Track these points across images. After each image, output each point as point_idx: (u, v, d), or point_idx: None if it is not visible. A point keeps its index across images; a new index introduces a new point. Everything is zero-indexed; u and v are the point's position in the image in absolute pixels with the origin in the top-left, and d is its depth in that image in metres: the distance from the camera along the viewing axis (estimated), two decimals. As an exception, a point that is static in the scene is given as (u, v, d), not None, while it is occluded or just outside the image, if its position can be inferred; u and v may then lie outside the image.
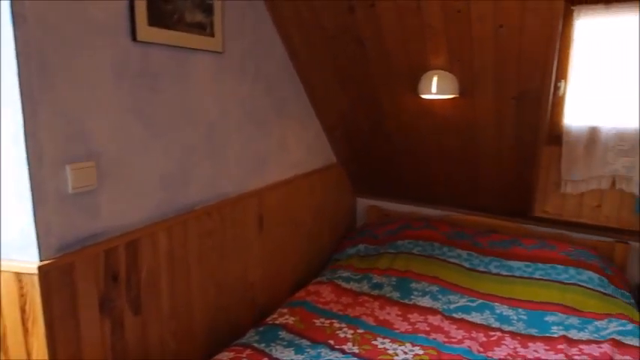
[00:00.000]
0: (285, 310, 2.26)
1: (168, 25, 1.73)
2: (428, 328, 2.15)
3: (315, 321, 2.19)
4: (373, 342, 2.02)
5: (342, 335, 2.07)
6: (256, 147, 2.37)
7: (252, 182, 2.35)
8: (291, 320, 2.17)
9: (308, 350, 1.95)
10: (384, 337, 2.06)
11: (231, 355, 1.88)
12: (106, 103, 1.54)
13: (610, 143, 2.64)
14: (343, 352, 1.95)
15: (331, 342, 2.02)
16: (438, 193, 3.16)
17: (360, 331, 2.11)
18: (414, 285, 2.55)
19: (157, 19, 1.67)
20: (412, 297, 2.45)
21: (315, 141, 2.99)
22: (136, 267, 1.68)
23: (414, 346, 1.99)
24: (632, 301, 2.35)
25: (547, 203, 2.87)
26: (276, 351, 1.93)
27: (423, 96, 2.38)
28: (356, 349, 1.96)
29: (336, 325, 2.16)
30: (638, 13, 2.48)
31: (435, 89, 2.28)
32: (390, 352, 1.95)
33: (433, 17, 2.06)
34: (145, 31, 1.63)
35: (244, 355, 1.87)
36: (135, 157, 1.67)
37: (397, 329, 2.14)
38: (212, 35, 1.94)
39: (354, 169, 3.34)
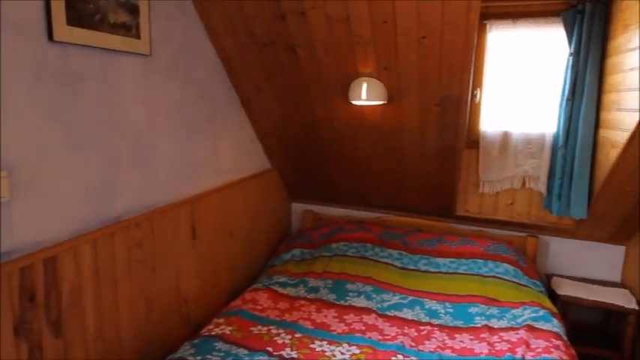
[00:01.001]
0: (220, 320, 2.21)
1: (90, 25, 1.63)
2: (363, 328, 2.21)
3: (253, 329, 2.17)
4: (311, 345, 2.05)
5: (280, 341, 2.07)
6: (188, 154, 2.30)
7: (184, 190, 2.28)
8: (227, 330, 2.13)
9: (246, 359, 1.92)
10: (321, 340, 2.09)
11: (165, 370, 1.81)
12: (20, 108, 1.42)
13: (520, 146, 2.91)
14: (282, 357, 1.95)
15: (269, 349, 2.01)
16: (370, 196, 3.28)
17: (297, 335, 2.12)
18: (349, 286, 2.62)
19: (76, 18, 1.58)
20: (348, 298, 2.51)
21: (249, 147, 2.97)
22: (56, 285, 1.56)
23: (350, 346, 2.04)
24: (543, 289, 2.60)
25: (468, 203, 3.09)
26: (213, 363, 1.88)
27: (354, 102, 2.46)
28: (294, 354, 1.97)
29: (274, 331, 2.15)
30: (540, 29, 2.77)
31: (365, 96, 2.37)
32: (328, 353, 1.99)
33: (361, 27, 2.14)
34: (62, 30, 1.53)
35: (179, 370, 1.80)
36: (54, 167, 1.55)
37: (334, 331, 2.18)
38: (138, 37, 1.86)
39: (288, 174, 3.36)
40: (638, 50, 2.12)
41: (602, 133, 2.54)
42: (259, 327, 2.18)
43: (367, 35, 2.17)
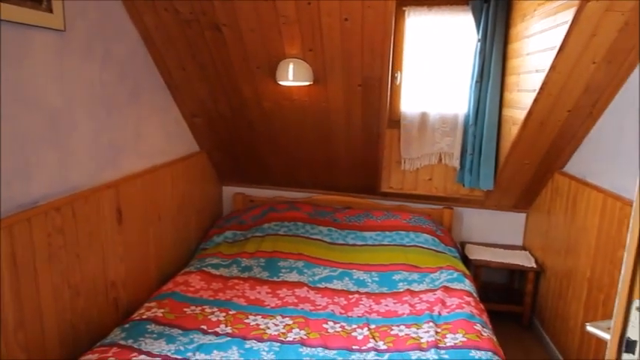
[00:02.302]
0: (152, 304, 2.19)
1: (-9, -5, 1.51)
2: (296, 300, 2.31)
3: (186, 309, 2.17)
4: (245, 320, 2.10)
5: (214, 319, 2.10)
6: (110, 135, 2.21)
7: (107, 173, 2.19)
8: (159, 312, 2.11)
9: (180, 338, 1.94)
10: (255, 315, 2.15)
11: (94, 357, 1.77)
12: None
13: (436, 126, 3.14)
14: (217, 334, 1.99)
15: (204, 327, 2.03)
16: (300, 176, 3.36)
17: (232, 312, 2.17)
18: (281, 263, 2.70)
19: (-25, -13, 1.45)
20: (280, 274, 2.59)
21: (175, 129, 2.90)
22: (-33, 275, 1.46)
23: (283, 317, 2.13)
24: (457, 254, 2.87)
25: (391, 179, 3.29)
26: (146, 345, 1.87)
27: (281, 83, 2.51)
28: (229, 330, 2.02)
29: (208, 310, 2.18)
30: (453, 16, 2.99)
31: (292, 76, 2.43)
32: (262, 326, 2.06)
33: (286, 7, 2.18)
34: (-41, 0, 1.41)
35: (110, 354, 1.78)
36: (-44, 148, 1.44)
37: (268, 305, 2.26)
38: (50, 11, 1.75)
39: (218, 157, 3.34)
40: (534, 37, 2.39)
41: (506, 112, 2.83)
42: (193, 307, 2.20)
43: (292, 16, 2.22)
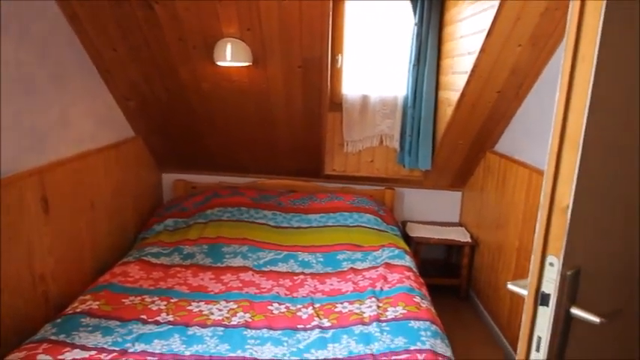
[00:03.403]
0: (87, 297, 2.08)
1: None
2: (240, 285, 2.29)
3: (124, 300, 2.09)
4: (188, 307, 2.06)
5: (154, 308, 2.04)
6: (31, 120, 2.05)
7: (30, 160, 2.03)
8: (95, 305, 2.01)
9: (118, 330, 1.86)
10: (198, 301, 2.11)
11: (22, 354, 1.66)
12: None
13: (377, 108, 3.20)
14: (157, 323, 1.93)
15: (144, 316, 1.97)
16: (243, 161, 3.31)
17: (173, 300, 2.11)
18: (225, 249, 2.66)
19: None
20: (225, 260, 2.55)
21: (107, 113, 2.74)
22: None
23: (228, 302, 2.11)
24: (399, 232, 2.96)
25: (334, 162, 3.32)
26: (80, 338, 1.78)
27: (219, 63, 2.44)
28: (171, 318, 1.97)
29: (148, 299, 2.11)
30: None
31: (230, 57, 2.36)
32: (206, 312, 2.02)
33: (221, -15, 2.11)
34: None
35: (40, 351, 1.67)
36: None
37: (211, 291, 2.22)
38: (-51, -21, 1.57)
39: (155, 142, 3.20)
40: (465, 20, 2.48)
41: (442, 94, 2.93)
42: (132, 298, 2.11)
43: (228, -7, 2.15)
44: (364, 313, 2.01)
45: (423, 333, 1.82)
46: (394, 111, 3.19)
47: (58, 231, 2.20)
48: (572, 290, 0.80)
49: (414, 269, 2.46)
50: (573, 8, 0.71)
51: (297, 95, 2.69)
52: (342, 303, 2.12)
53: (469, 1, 2.42)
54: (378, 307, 2.04)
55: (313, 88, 2.63)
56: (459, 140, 2.88)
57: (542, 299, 0.80)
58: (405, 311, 1.98)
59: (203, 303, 2.10)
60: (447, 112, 2.79)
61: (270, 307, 2.08)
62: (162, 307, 2.04)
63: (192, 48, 2.47)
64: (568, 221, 0.75)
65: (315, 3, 2.13)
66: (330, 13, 2.21)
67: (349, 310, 2.04)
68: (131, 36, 2.41)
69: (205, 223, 2.90)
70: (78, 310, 1.97)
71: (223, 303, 2.10)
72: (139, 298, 2.11)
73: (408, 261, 2.51)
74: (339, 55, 3.15)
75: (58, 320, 1.89)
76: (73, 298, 2.12)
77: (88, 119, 2.52)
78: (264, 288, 2.27)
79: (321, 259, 2.59)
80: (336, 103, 3.22)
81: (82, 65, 2.46)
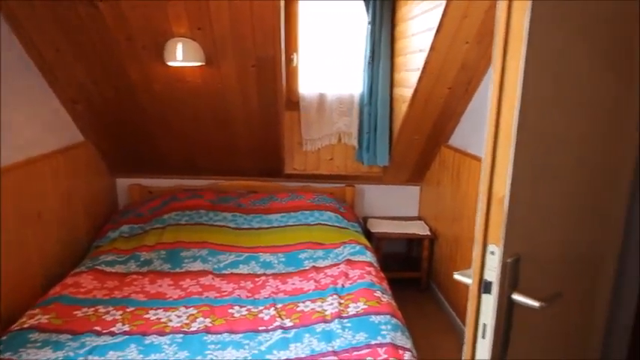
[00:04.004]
0: (35, 311, 1.98)
1: None
2: (200, 289, 2.24)
3: (77, 312, 2.00)
4: (145, 316, 2.00)
5: (109, 319, 1.96)
6: (-36, 125, 1.92)
7: (-35, 169, 1.91)
8: (44, 319, 1.92)
9: (69, 344, 1.78)
10: (156, 309, 2.05)
11: (-37, 377, 1.56)
12: None
13: (334, 106, 3.22)
14: (112, 334, 1.86)
15: (97, 328, 1.89)
16: (201, 163, 3.24)
17: (130, 309, 2.04)
18: (184, 253, 2.60)
19: None
20: (184, 265, 2.49)
21: (53, 117, 2.61)
22: None
23: (187, 308, 2.06)
24: (360, 229, 2.99)
25: (294, 161, 3.32)
26: (28, 355, 1.69)
27: (170, 64, 2.37)
28: (127, 327, 1.90)
29: (102, 310, 2.03)
30: (343, -1, 3.06)
31: (181, 57, 2.30)
32: (164, 320, 1.97)
33: (169, -17, 2.05)
34: None
35: (-17, 372, 1.57)
36: None
37: (170, 298, 2.16)
38: None
39: (107, 146, 3.08)
40: (416, 19, 2.53)
41: (396, 91, 2.99)
42: (84, 309, 2.03)
43: (176, -8, 2.09)
44: (326, 310, 2.02)
45: (383, 327, 1.85)
46: (351, 109, 3.22)
47: (2, 243, 2.07)
48: (513, 277, 0.84)
49: (375, 264, 2.49)
50: (501, 7, 0.73)
51: (252, 95, 2.66)
52: (304, 302, 2.11)
53: (418, 0, 2.47)
54: (340, 303, 2.05)
55: (268, 87, 2.61)
56: (415, 136, 2.94)
57: (485, 287, 0.82)
58: (366, 306, 2.00)
59: (161, 310, 2.05)
60: (402, 108, 2.85)
61: (231, 311, 2.05)
62: (118, 317, 1.97)
63: (141, 48, 2.39)
64: (505, 211, 0.78)
65: (266, 2, 2.11)
66: (282, 11, 2.20)
67: (311, 309, 2.05)
68: (75, 35, 2.31)
69: (163, 228, 2.82)
70: (26, 325, 1.87)
71: (182, 309, 2.05)
72: (93, 309, 2.03)
73: (369, 256, 2.54)
74: (295, 53, 3.14)
75: (4, 338, 1.79)
76: (21, 313, 2.01)
77: (32, 124, 2.39)
78: (225, 291, 2.23)
79: (283, 259, 2.58)
80: (294, 102, 3.21)
81: (22, 65, 2.33)
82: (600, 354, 1.34)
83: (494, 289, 0.81)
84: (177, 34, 2.32)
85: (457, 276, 0.91)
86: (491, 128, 0.77)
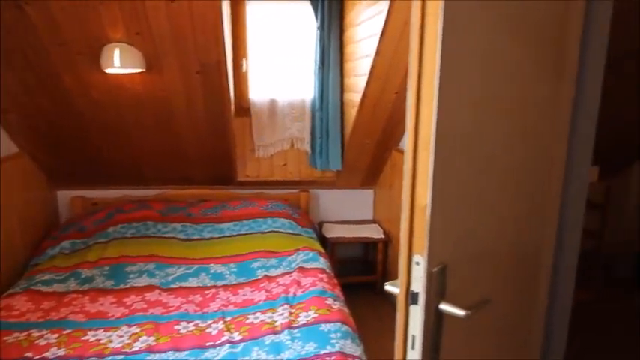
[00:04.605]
0: (-41, 341, 1.82)
1: None
2: (145, 306, 2.14)
3: (7, 338, 1.86)
4: (83, 338, 1.88)
5: (43, 343, 1.83)
6: None
7: None
8: (-31, 348, 1.77)
9: (-3, 373, 1.65)
10: (96, 330, 1.94)
11: None
12: None
13: (286, 111, 3.18)
14: (46, 359, 1.74)
15: (29, 354, 1.76)
16: (148, 172, 3.12)
17: (67, 331, 1.92)
18: (129, 268, 2.48)
19: None
20: (128, 280, 2.38)
21: (-21, 128, 2.43)
22: None
23: (130, 326, 1.96)
24: (314, 234, 2.96)
25: (247, 168, 3.25)
26: (-52, 390, 1.55)
27: (108, 71, 2.26)
28: (62, 352, 1.78)
29: (36, 334, 1.89)
30: (294, 3, 3.03)
31: (119, 63, 2.20)
32: (104, 341, 1.86)
33: (101, -14, 1.96)
34: None
35: None
36: None
37: (112, 317, 2.05)
38: None
39: (44, 157, 2.90)
40: (362, 24, 2.54)
41: (347, 96, 2.99)
42: (16, 334, 1.88)
43: (110, -5, 2.00)
44: (276, 321, 1.97)
45: (333, 335, 1.82)
46: (303, 114, 3.20)
47: None
48: (440, 286, 0.83)
49: (329, 270, 2.47)
50: (415, 14, 0.72)
51: (198, 102, 2.58)
52: (253, 313, 2.06)
53: (365, 5, 2.48)
54: (290, 313, 2.01)
55: (215, 93, 2.54)
56: (366, 140, 2.95)
57: (412, 298, 0.81)
58: (316, 315, 1.97)
59: (101, 331, 1.93)
60: (352, 113, 2.85)
61: (177, 327, 1.96)
62: (53, 341, 1.85)
63: (76, 54, 2.27)
64: (428, 220, 0.77)
65: (206, 5, 2.05)
66: (226, 16, 2.14)
67: (261, 320, 1.99)
68: (1, 42, 2.16)
69: (107, 242, 2.69)
70: (-53, 356, 1.72)
71: (125, 328, 1.95)
72: (25, 333, 1.89)
73: (322, 263, 2.52)
74: (244, 59, 3.09)
75: None
76: (-57, 343, 1.85)
77: (-47, 136, 2.22)
78: (172, 306, 2.14)
79: (235, 269, 2.52)
80: (245, 108, 3.15)
81: (-59, 75, 2.16)
82: (540, 352, 1.37)
83: (421, 299, 0.80)
84: (114, 39, 2.21)
85: (388, 287, 0.90)
86: (410, 136, 0.76)
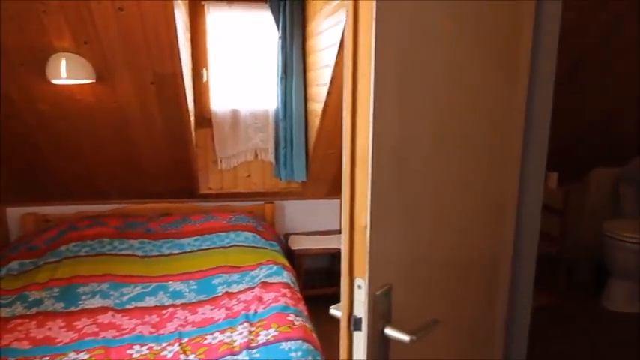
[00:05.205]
0: None
1: None
2: (97, 329, 2.02)
3: (-61, 372, 1.71)
4: (27, 367, 1.75)
5: (-20, 375, 1.70)
6: None
7: None
8: None
9: None
10: (41, 357, 1.81)
11: None
12: None
13: (248, 122, 3.12)
14: (-18, 393, 1.61)
15: (-36, 389, 1.62)
16: (104, 187, 2.99)
17: (9, 360, 1.78)
18: (82, 289, 2.34)
19: None
20: (80, 302, 2.24)
21: None
22: None
23: (78, 353, 1.84)
24: (278, 247, 2.89)
25: (210, 180, 3.17)
26: None
27: (55, 81, 2.15)
28: (1, 384, 1.65)
29: (-27, 366, 1.75)
30: (254, 12, 2.99)
31: (66, 74, 2.10)
32: (49, 369, 1.74)
33: (45, -7, 1.86)
34: None
35: None
36: None
37: (60, 342, 1.92)
38: None
39: (-10, 173, 2.74)
40: (323, 34, 2.52)
41: (310, 105, 2.96)
42: (-50, 367, 1.74)
43: (54, 3, 1.90)
44: (235, 341, 1.89)
45: (293, 354, 1.76)
46: (266, 124, 3.14)
47: None
48: (385, 309, 0.79)
49: (292, 284, 2.41)
50: (347, 25, 0.69)
51: (155, 113, 2.50)
52: (212, 333, 1.97)
53: (324, 16, 2.46)
54: (250, 332, 1.94)
55: (172, 104, 2.46)
56: (330, 150, 2.92)
57: (355, 324, 0.76)
58: (276, 333, 1.90)
59: (47, 358, 1.80)
60: (315, 122, 2.82)
61: (129, 351, 1.85)
62: (-9, 373, 1.72)
63: (19, 65, 2.15)
64: (368, 241, 0.73)
65: (158, 15, 1.98)
66: (178, 25, 2.08)
67: (219, 341, 1.91)
68: (-64, 51, 2.03)
69: (58, 262, 2.54)
70: None
71: (72, 355, 1.82)
72: (-39, 365, 1.75)
73: (285, 277, 2.45)
74: (204, 69, 3.02)
75: None
76: None
77: None
78: (126, 329, 2.03)
79: (195, 287, 2.42)
80: (206, 119, 3.08)
81: None
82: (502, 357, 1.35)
83: (364, 325, 0.75)
84: (60, 48, 2.11)
85: (333, 311, 0.85)
86: (347, 152, 0.72)
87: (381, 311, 0.78)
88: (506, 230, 1.24)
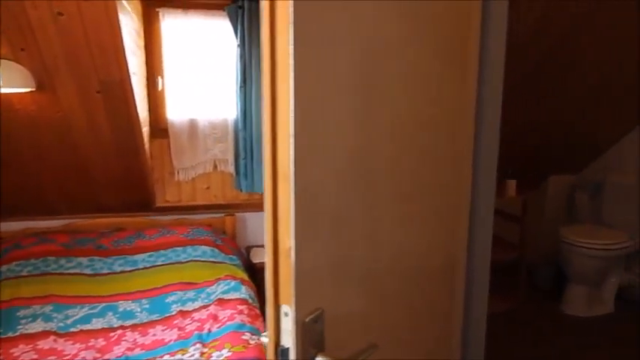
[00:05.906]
0: None
1: None
2: (35, 357, 1.87)
3: None
4: (-50, 403, 1.59)
5: None
6: None
7: None
8: None
9: None
10: (-31, 391, 1.65)
11: None
12: None
13: (207, 132, 3.02)
14: None
15: None
16: (51, 201, 2.82)
17: None
18: (22, 312, 2.18)
19: None
20: (19, 327, 2.08)
21: None
22: None
23: (11, 384, 1.69)
24: (239, 262, 2.79)
25: (167, 192, 3.04)
26: None
27: (-11, 90, 2.01)
28: None
29: None
30: (211, 20, 2.91)
31: (2, 82, 1.96)
32: (-25, 405, 1.58)
33: (-25, -4, 1.73)
34: None
35: None
36: None
37: (-8, 374, 1.77)
38: None
39: None
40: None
41: (270, 115, 2.88)
42: None
43: (-15, 7, 1.77)
44: (185, 364, 1.78)
45: (246, 377, 1.67)
46: (226, 134, 3.05)
47: None
48: (316, 338, 0.72)
49: (251, 300, 2.31)
50: (263, 32, 0.63)
51: (102, 123, 2.37)
52: (162, 357, 1.85)
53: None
54: (202, 354, 1.83)
55: (121, 114, 2.34)
56: (291, 160, 2.85)
57: (282, 355, 0.69)
58: (230, 354, 1.81)
59: (-25, 393, 1.65)
60: (275, 132, 2.74)
61: (69, 380, 1.72)
62: None
63: (-50, 71, 1.99)
64: (294, 263, 0.66)
65: (101, 20, 1.88)
66: (121, 28, 1.97)
67: (169, 365, 1.80)
68: None
69: (-3, 284, 2.36)
70: None
71: (4, 387, 1.68)
72: None
73: (243, 292, 2.35)
74: (159, 77, 2.91)
75: None
76: None
77: None
78: (68, 355, 1.89)
79: (147, 306, 2.29)
80: (162, 129, 2.96)
81: None
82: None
83: (292, 356, 0.68)
84: (-5, 55, 1.98)
85: (262, 339, 0.77)
86: (268, 169, 0.66)
87: (312, 339, 0.71)
88: (459, 235, 1.20)
